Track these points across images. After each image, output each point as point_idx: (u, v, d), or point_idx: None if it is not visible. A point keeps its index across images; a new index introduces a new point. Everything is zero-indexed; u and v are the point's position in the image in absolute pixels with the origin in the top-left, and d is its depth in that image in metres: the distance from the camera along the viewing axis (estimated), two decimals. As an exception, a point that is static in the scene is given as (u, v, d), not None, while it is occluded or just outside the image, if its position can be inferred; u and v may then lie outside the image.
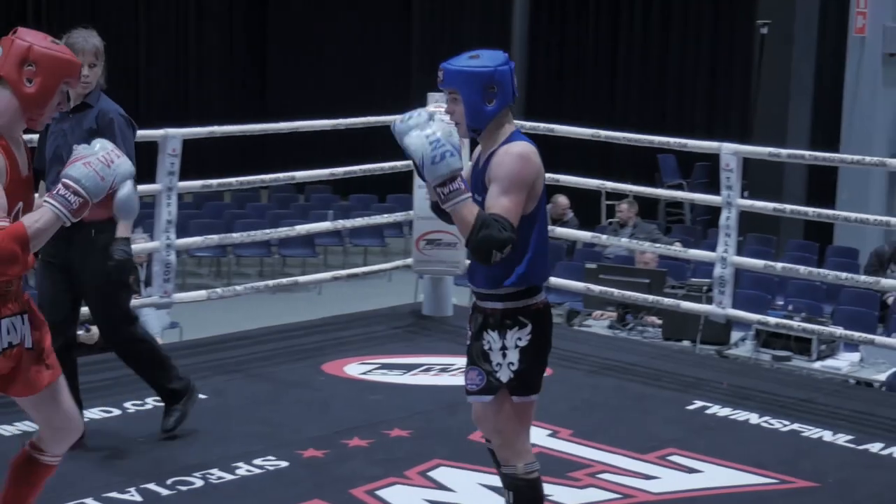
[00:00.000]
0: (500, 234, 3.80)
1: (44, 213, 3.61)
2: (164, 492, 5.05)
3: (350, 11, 20.41)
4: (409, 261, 8.17)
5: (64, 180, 3.64)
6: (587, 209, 16.04)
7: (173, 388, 5.69)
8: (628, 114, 17.61)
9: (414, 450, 5.61)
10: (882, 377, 8.59)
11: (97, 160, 3.68)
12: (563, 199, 13.92)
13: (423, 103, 7.91)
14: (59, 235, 4.04)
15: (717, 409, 6.34)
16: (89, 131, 5.21)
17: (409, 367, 6.95)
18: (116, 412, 6.03)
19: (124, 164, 3.74)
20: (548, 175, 8.34)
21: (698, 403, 6.43)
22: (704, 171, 15.21)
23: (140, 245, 8.13)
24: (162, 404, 5.77)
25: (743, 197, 7.67)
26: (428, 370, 6.93)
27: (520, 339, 4.04)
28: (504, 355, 4.03)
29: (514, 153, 3.95)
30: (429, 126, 3.83)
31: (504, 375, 4.04)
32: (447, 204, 3.83)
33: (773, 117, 14.64)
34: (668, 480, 5.33)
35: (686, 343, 9.75)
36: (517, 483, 4.12)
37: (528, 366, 4.06)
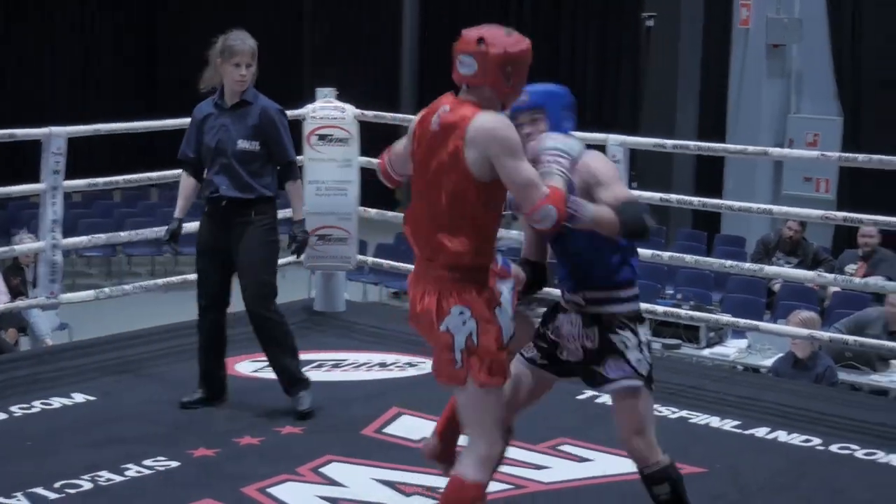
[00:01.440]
0: (640, 206, 4.13)
1: (563, 179, 3.93)
2: (52, 495, 4.98)
3: (237, 11, 20.29)
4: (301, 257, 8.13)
5: (550, 150, 3.98)
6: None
7: (299, 377, 6.09)
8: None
9: (306, 446, 5.59)
10: (768, 363, 8.75)
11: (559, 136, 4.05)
12: None
13: (312, 100, 7.93)
14: (218, 224, 5.90)
15: (607, 399, 6.35)
16: (254, 127, 5.88)
17: (301, 364, 6.92)
18: (2, 416, 5.93)
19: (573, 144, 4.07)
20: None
21: (589, 393, 6.46)
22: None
23: (25, 245, 8.02)
24: (51, 407, 5.77)
25: (631, 188, 7.74)
26: (320, 366, 6.91)
27: (646, 334, 4.29)
28: (641, 350, 4.21)
29: (596, 155, 4.25)
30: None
31: (643, 369, 4.22)
32: (579, 221, 3.99)
33: (660, 109, 14.83)
34: (560, 470, 5.39)
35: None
36: (671, 473, 4.30)
37: (652, 360, 4.29)
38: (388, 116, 8.23)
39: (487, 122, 3.86)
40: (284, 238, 6.16)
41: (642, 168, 12.38)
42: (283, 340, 6.08)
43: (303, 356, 7.01)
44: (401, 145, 4.25)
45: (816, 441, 5.82)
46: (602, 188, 4.12)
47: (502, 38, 3.93)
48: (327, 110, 7.82)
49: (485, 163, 3.85)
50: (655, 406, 6.09)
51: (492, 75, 3.90)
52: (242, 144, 5.87)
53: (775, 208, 7.33)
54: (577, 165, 4.10)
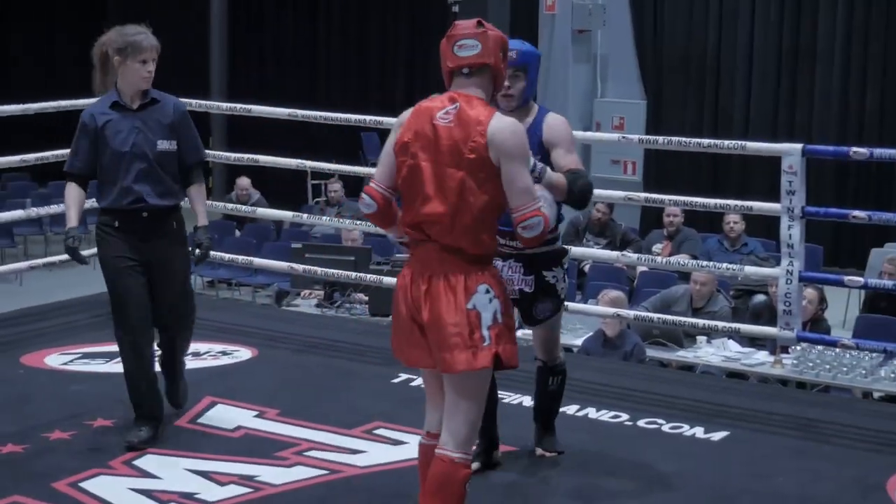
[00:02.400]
0: (590, 181, 4.79)
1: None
2: None
3: (39, 8, 19.87)
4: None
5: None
6: (295, 189, 16.08)
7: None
8: (331, 93, 17.72)
9: (118, 439, 5.51)
10: (579, 342, 8.92)
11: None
12: (243, 181, 13.86)
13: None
14: (139, 237, 5.45)
15: (420, 382, 6.45)
16: (170, 126, 5.51)
17: (111, 356, 6.78)
18: None
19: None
20: (246, 156, 8.31)
21: (403, 376, 6.54)
22: (407, 149, 15.41)
23: None
24: None
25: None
26: (132, 358, 6.80)
27: (565, 267, 5.13)
28: (564, 280, 5.10)
29: (563, 120, 4.93)
30: None
31: (564, 294, 5.14)
32: (542, 181, 4.48)
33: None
34: (375, 453, 5.41)
35: (393, 318, 9.89)
36: (563, 369, 5.40)
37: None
38: (195, 104, 8.13)
39: (507, 125, 4.07)
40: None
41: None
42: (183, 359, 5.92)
43: (113, 348, 6.93)
44: (383, 162, 4.29)
45: (624, 417, 5.97)
46: (561, 152, 4.80)
47: (488, 24, 4.21)
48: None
49: (498, 160, 4.04)
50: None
51: (494, 55, 4.13)
52: (162, 145, 5.48)
53: (581, 190, 7.44)
54: (544, 124, 4.86)
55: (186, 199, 5.67)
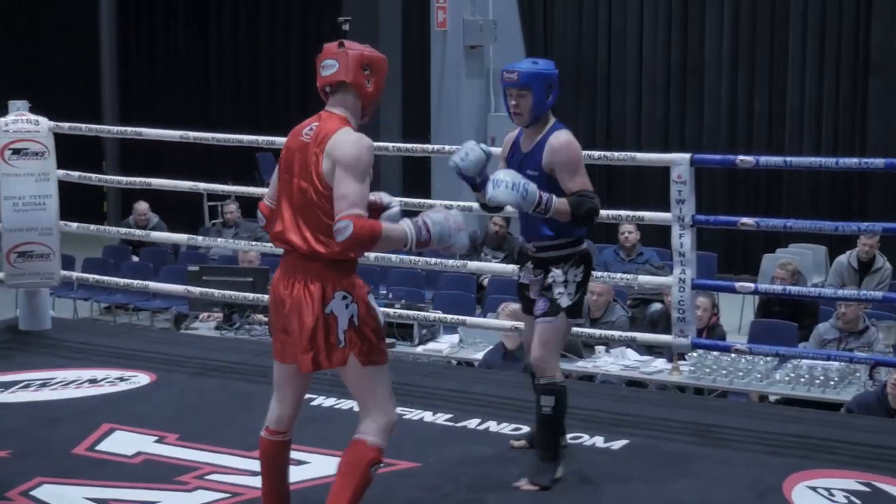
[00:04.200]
0: (594, 203, 5.13)
1: (399, 228, 4.27)
2: None
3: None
4: (1, 275, 7.89)
5: (425, 218, 4.29)
6: (192, 212, 15.96)
7: None
8: (224, 115, 17.63)
9: (14, 470, 5.42)
10: (480, 356, 8.96)
11: (454, 222, 4.31)
12: (142, 205, 13.73)
13: (4, 113, 7.69)
14: None
15: (322, 400, 6.45)
16: None
17: (5, 385, 6.72)
18: None
19: (462, 240, 4.36)
20: (138, 179, 8.23)
21: (305, 396, 6.50)
22: (303, 168, 15.38)
23: None
24: None
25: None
26: (27, 386, 6.72)
27: (578, 274, 5.25)
28: (565, 286, 5.22)
29: (566, 141, 5.17)
30: (498, 174, 5.05)
31: (563, 303, 5.22)
32: (549, 214, 5.02)
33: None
34: (277, 475, 5.38)
35: (293, 338, 9.85)
36: (560, 391, 5.23)
37: (581, 296, 5.29)
38: (84, 128, 8.08)
39: (347, 137, 4.25)
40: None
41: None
42: None
43: (9, 377, 6.85)
44: (273, 178, 4.56)
45: (525, 429, 6.00)
46: (565, 176, 5.12)
47: (359, 45, 4.42)
48: (20, 123, 7.61)
49: (332, 170, 4.24)
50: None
51: (352, 73, 4.33)
52: None
53: (476, 205, 7.46)
54: (547, 145, 5.13)
55: None
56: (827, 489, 5.25)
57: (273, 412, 4.66)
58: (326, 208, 4.26)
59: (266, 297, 8.14)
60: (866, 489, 5.27)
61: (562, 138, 5.15)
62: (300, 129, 4.42)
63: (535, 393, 5.27)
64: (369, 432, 4.42)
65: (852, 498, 5.18)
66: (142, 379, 6.90)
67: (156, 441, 5.81)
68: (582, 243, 5.31)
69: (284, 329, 4.43)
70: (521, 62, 5.22)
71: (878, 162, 6.18)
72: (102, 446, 5.78)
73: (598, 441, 5.86)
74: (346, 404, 6.36)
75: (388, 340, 9.68)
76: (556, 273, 5.25)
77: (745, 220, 6.49)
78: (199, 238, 9.72)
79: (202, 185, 8.20)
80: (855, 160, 6.47)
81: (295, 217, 4.36)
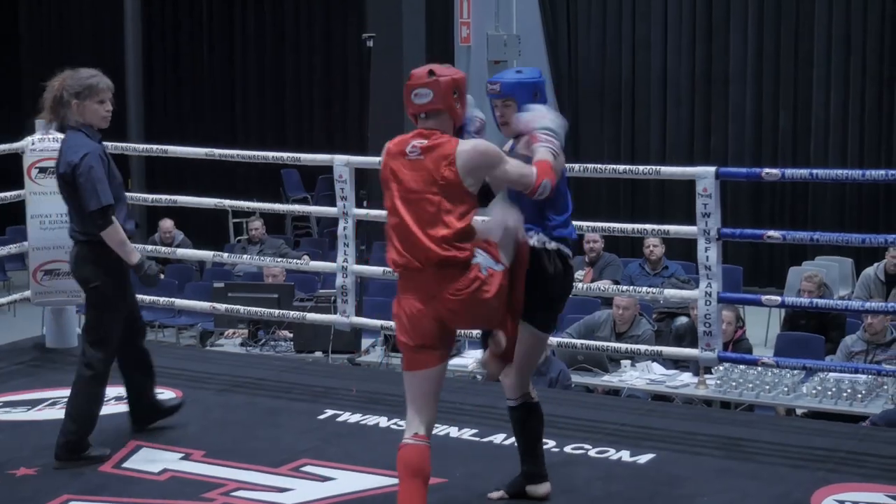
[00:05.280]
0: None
1: (545, 152, 4.79)
2: None
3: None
4: (28, 293, 7.93)
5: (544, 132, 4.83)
6: (217, 229, 16.01)
7: None
8: (249, 133, 17.67)
9: (42, 488, 5.45)
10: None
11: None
12: (167, 223, 13.80)
13: (31, 130, 7.75)
14: None
15: (347, 416, 6.46)
16: None
17: (33, 403, 6.75)
18: None
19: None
20: (164, 197, 8.26)
21: (329, 412, 6.53)
22: (327, 184, 15.43)
23: None
24: None
25: (362, 206, 7.82)
26: (54, 404, 6.72)
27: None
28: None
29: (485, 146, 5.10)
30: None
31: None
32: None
33: (388, 127, 14.90)
34: (303, 491, 5.39)
35: (319, 354, 9.89)
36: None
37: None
38: (111, 146, 8.08)
39: (468, 148, 4.61)
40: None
41: (372, 187, 12.49)
42: None
43: (36, 395, 6.87)
44: None
45: (551, 444, 5.97)
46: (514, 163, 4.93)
47: (445, 69, 4.71)
48: (47, 142, 7.65)
49: (473, 175, 4.60)
50: (395, 422, 6.31)
51: (446, 100, 4.63)
52: None
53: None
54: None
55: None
56: (855, 503, 5.22)
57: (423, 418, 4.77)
58: (458, 213, 4.59)
59: (291, 313, 8.23)
60: (895, 502, 5.24)
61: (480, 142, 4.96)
62: (402, 148, 4.65)
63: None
64: (426, 434, 4.76)
65: (881, 512, 5.15)
66: (168, 396, 6.90)
67: (182, 458, 5.81)
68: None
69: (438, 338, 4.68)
70: (504, 72, 5.14)
71: (905, 174, 6.16)
72: (129, 463, 5.79)
73: (625, 455, 5.84)
74: (372, 420, 6.37)
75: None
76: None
77: (771, 232, 6.48)
78: (225, 255, 9.72)
79: (227, 202, 8.24)
80: (881, 172, 6.45)
81: (420, 234, 4.60)
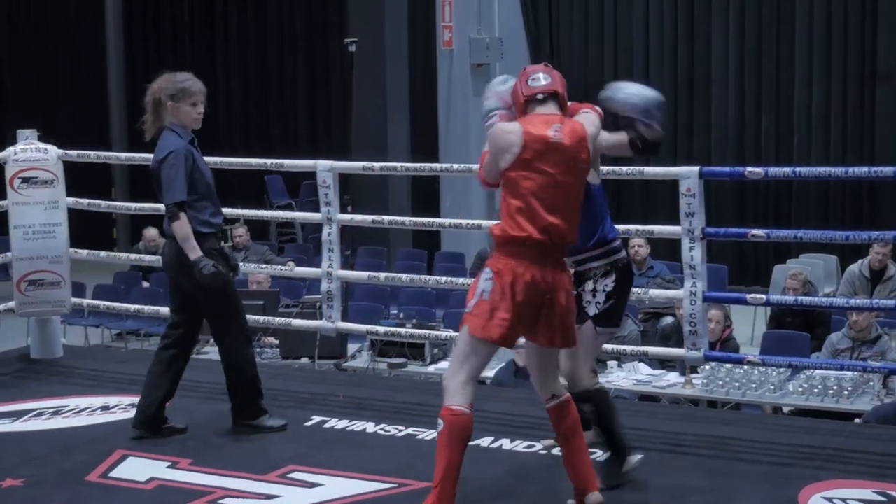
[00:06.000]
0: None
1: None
2: None
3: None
4: (12, 304, 7.90)
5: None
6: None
7: None
8: (232, 138, 17.64)
9: (28, 498, 5.42)
10: (492, 373, 8.93)
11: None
12: (151, 231, 13.75)
13: (14, 140, 7.72)
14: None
15: (334, 423, 6.45)
16: None
17: (18, 414, 6.72)
18: None
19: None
20: (148, 205, 8.21)
21: (316, 419, 6.51)
22: (311, 190, 15.39)
23: None
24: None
25: (346, 211, 7.80)
26: (39, 415, 6.71)
27: (607, 285, 5.35)
28: (594, 296, 5.35)
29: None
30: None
31: (591, 311, 5.35)
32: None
33: (372, 132, 14.97)
34: (290, 497, 5.38)
35: (305, 360, 9.87)
36: (595, 396, 5.38)
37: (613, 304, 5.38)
38: (93, 155, 8.09)
39: (587, 123, 5.08)
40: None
41: (359, 193, 12.49)
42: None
43: (21, 406, 6.84)
44: (488, 162, 4.99)
45: (539, 446, 5.99)
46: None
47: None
48: (29, 152, 7.63)
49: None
50: (382, 427, 6.30)
51: (563, 85, 5.03)
52: None
53: (485, 223, 7.47)
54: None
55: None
56: (843, 500, 5.23)
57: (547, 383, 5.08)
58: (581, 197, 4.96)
59: (277, 319, 8.20)
60: (882, 499, 5.25)
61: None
62: (544, 130, 4.85)
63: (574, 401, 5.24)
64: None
65: (868, 508, 5.16)
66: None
67: (169, 466, 5.79)
68: (618, 252, 5.41)
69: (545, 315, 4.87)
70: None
71: (888, 170, 6.17)
72: (116, 473, 5.76)
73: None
74: (359, 426, 6.35)
75: (399, 360, 9.75)
76: (587, 284, 5.37)
77: (755, 231, 6.48)
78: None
79: (211, 209, 8.17)
80: (864, 169, 6.47)
81: (561, 213, 4.84)
